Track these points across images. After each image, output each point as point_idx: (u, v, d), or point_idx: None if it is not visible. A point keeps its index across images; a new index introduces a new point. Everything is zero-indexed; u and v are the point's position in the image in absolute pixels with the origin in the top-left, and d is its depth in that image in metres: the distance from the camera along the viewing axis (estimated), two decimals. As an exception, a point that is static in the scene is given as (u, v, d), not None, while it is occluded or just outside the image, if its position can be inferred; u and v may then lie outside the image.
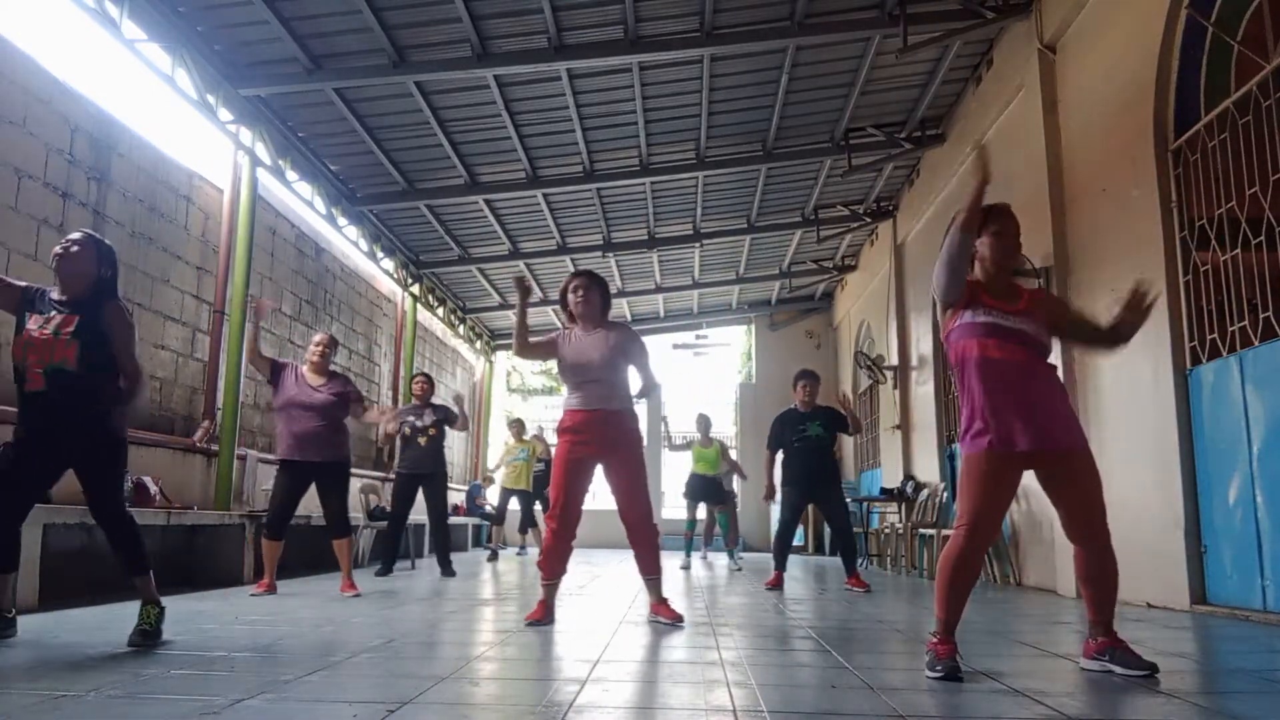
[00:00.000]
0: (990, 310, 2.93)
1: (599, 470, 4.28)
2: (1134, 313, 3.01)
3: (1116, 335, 3.06)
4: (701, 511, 9.89)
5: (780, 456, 6.86)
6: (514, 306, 4.41)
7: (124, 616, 4.10)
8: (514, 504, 10.97)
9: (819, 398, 6.93)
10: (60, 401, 3.27)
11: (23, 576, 4.12)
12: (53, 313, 3.35)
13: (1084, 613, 3.00)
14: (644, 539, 4.21)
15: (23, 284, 3.47)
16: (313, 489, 5.63)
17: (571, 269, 12.51)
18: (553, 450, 11.17)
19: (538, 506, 11.09)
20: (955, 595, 2.88)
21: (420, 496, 7.57)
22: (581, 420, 4.16)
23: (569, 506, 4.12)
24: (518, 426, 11.14)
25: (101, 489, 3.35)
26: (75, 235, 3.44)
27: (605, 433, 4.14)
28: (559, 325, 16.06)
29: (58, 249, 3.39)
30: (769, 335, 16.14)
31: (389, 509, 8.60)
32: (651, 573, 4.24)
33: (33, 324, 3.32)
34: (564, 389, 4.36)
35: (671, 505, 12.15)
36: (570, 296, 4.30)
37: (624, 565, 9.01)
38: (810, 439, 6.64)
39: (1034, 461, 2.90)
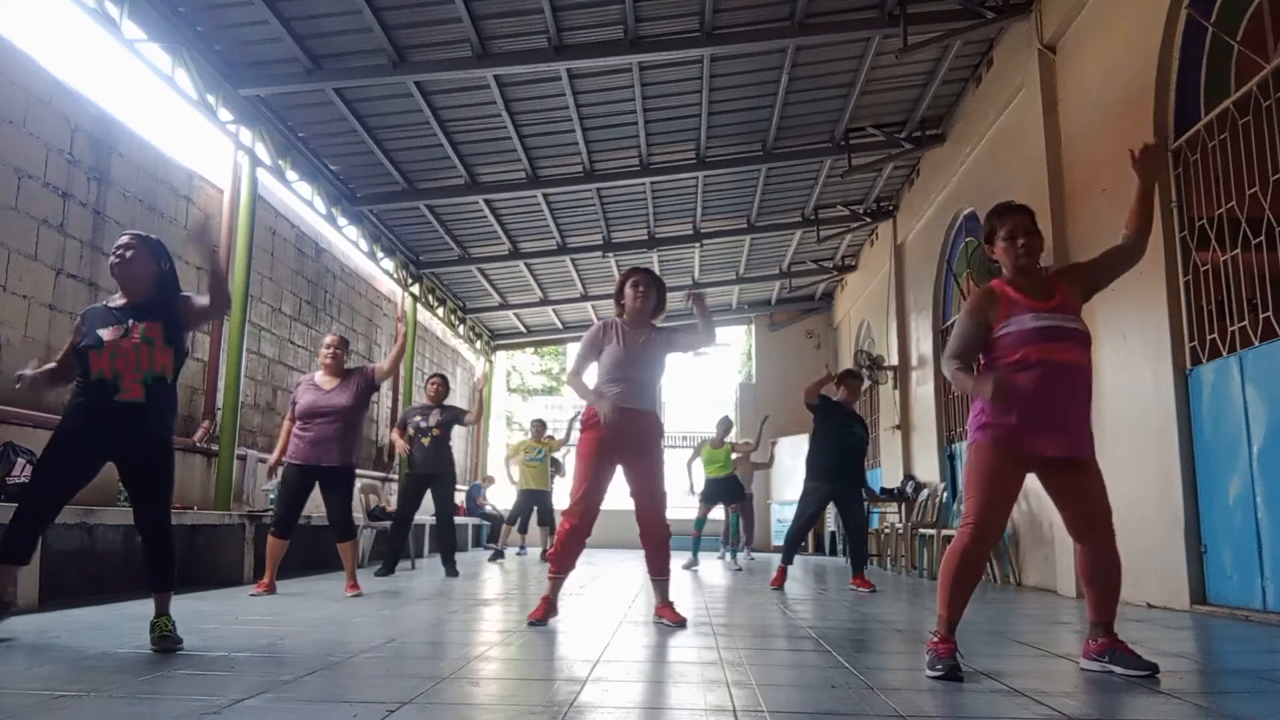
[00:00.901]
0: (1040, 312, 2.85)
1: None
2: (1149, 171, 2.98)
3: (1135, 233, 3.07)
4: (717, 513, 9.87)
5: (808, 444, 6.82)
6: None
7: (124, 616, 4.11)
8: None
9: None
10: (157, 409, 3.27)
11: (23, 576, 4.14)
12: (130, 320, 3.29)
13: (1084, 613, 2.99)
14: (657, 539, 4.22)
15: (74, 328, 3.41)
16: (317, 490, 5.63)
17: (572, 269, 12.56)
18: (569, 447, 11.04)
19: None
20: (959, 593, 2.87)
21: (427, 497, 7.57)
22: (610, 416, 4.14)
23: (590, 503, 4.10)
24: (539, 426, 11.05)
25: (159, 498, 3.32)
26: (124, 239, 3.39)
27: (633, 431, 4.13)
28: (559, 325, 15.97)
29: (113, 258, 3.35)
30: (769, 335, 16.15)
31: (388, 509, 8.60)
32: (661, 573, 4.23)
33: (110, 334, 3.25)
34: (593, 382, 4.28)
35: (677, 505, 12.14)
36: (629, 290, 4.27)
37: (625, 565, 9.01)
38: (854, 440, 6.66)
39: (1046, 465, 2.88)
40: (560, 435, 11.18)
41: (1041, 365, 2.80)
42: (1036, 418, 2.80)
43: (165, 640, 3.14)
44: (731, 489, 9.62)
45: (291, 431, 5.61)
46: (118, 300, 3.40)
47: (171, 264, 3.48)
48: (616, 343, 4.21)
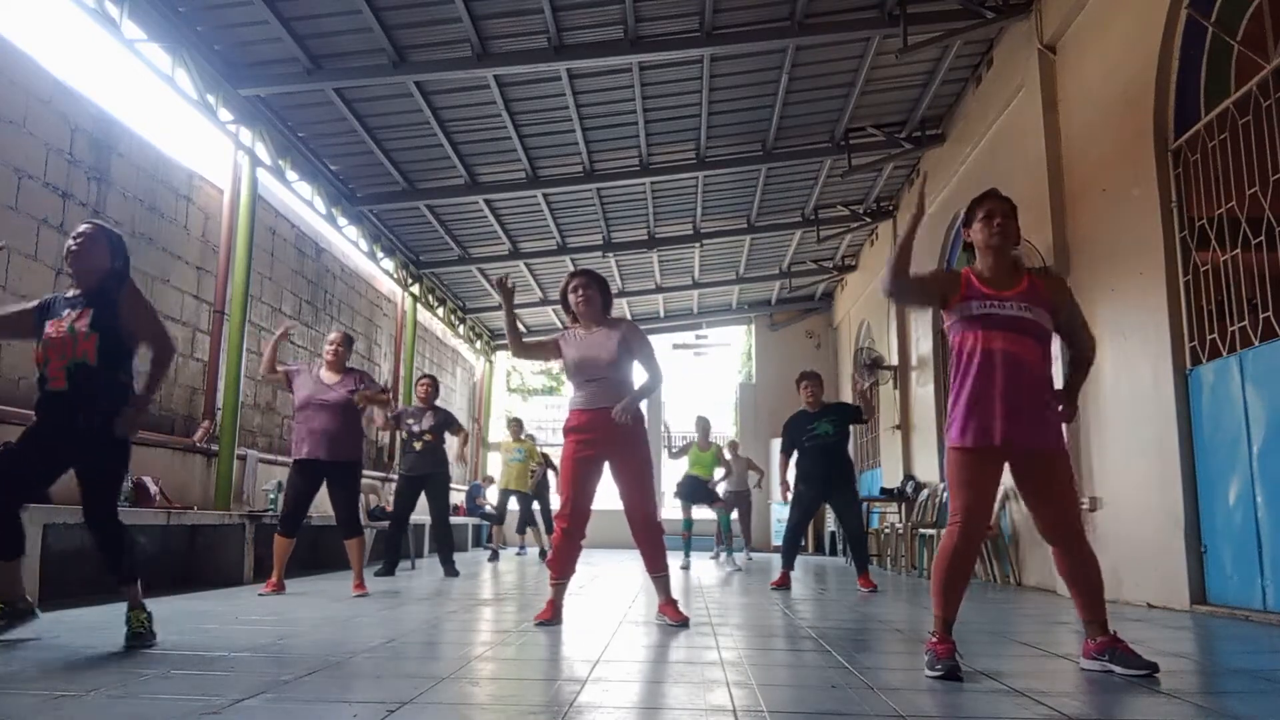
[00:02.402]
0: (987, 300, 2.92)
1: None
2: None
3: (1072, 371, 3.12)
4: (704, 512, 9.86)
5: (794, 456, 6.86)
6: (516, 307, 4.41)
7: (124, 617, 4.10)
8: (512, 503, 10.95)
9: (825, 396, 6.94)
10: (82, 398, 3.25)
11: (23, 576, 4.13)
12: (66, 310, 3.33)
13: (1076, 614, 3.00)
14: (649, 537, 4.22)
15: (35, 303, 3.45)
16: (324, 488, 5.64)
17: (572, 269, 12.55)
18: (550, 453, 11.07)
19: (535, 506, 11.09)
20: (952, 592, 2.89)
21: (422, 498, 7.59)
22: (587, 420, 4.16)
23: (578, 506, 4.13)
24: (515, 426, 11.11)
25: (98, 493, 3.32)
26: (84, 228, 3.40)
27: (611, 431, 4.14)
28: (560, 325, 16.06)
29: (70, 244, 3.36)
30: (769, 335, 16.15)
31: (389, 509, 8.61)
32: (659, 570, 4.24)
33: (50, 327, 3.31)
34: (569, 388, 4.36)
35: (671, 505, 12.15)
36: (570, 296, 4.29)
37: (624, 565, 9.01)
38: (820, 437, 6.64)
39: (1011, 457, 2.92)
40: (541, 438, 11.23)
41: (982, 354, 2.88)
42: (995, 406, 2.85)
43: (138, 637, 3.17)
44: (704, 491, 9.64)
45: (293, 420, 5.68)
46: (70, 291, 3.41)
47: (126, 262, 3.47)
48: (574, 347, 4.23)
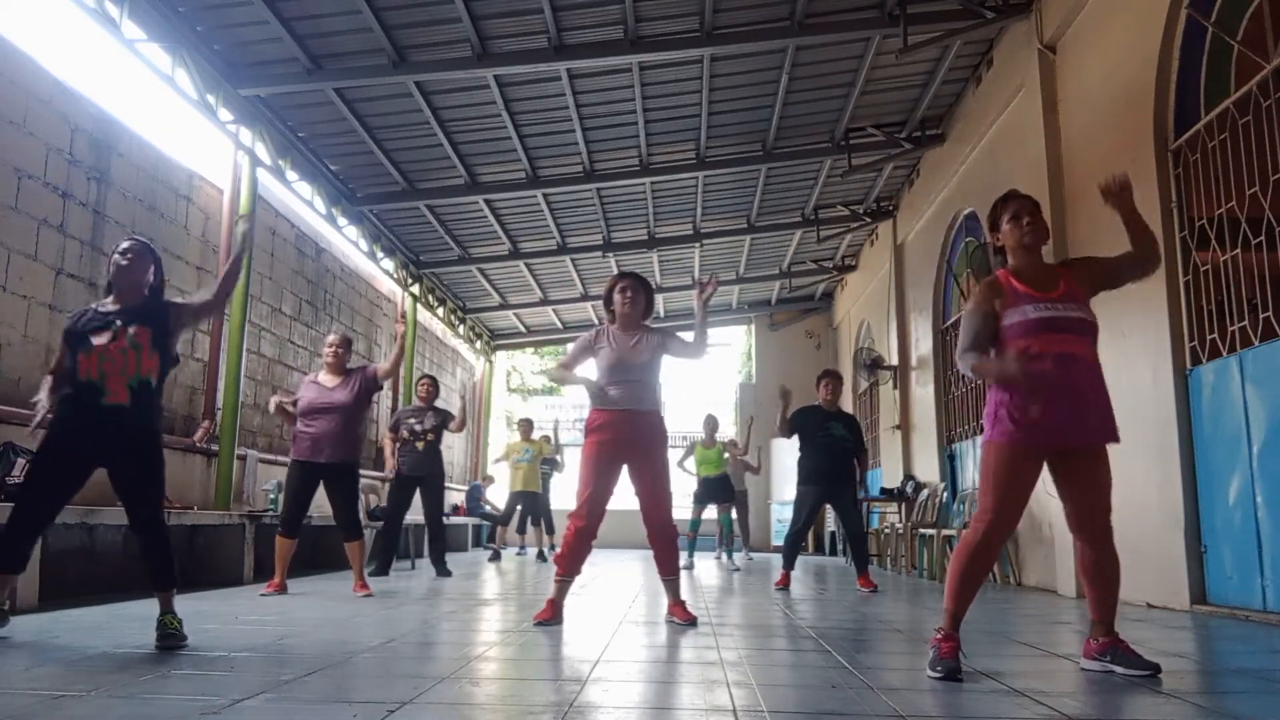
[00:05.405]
0: (1040, 303, 2.86)
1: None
2: (1119, 204, 3.02)
3: (1139, 248, 3.09)
4: (711, 513, 9.83)
5: (797, 452, 6.85)
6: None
7: (124, 616, 4.11)
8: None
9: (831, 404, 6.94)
10: (143, 412, 3.29)
11: (23, 576, 4.13)
12: (118, 323, 3.31)
13: (1085, 612, 2.99)
14: (665, 540, 4.25)
15: (65, 328, 3.42)
16: (322, 489, 5.64)
17: (571, 269, 12.57)
18: (559, 450, 10.97)
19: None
20: (967, 587, 2.87)
21: (417, 498, 7.58)
22: (612, 420, 4.17)
23: (595, 506, 4.13)
24: (526, 426, 11.04)
25: (151, 500, 3.34)
26: (129, 244, 3.43)
27: (635, 433, 4.16)
28: (559, 324, 16.01)
29: (118, 259, 3.38)
30: (769, 335, 16.15)
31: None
32: (671, 573, 4.27)
33: (100, 338, 3.28)
34: (575, 389, 4.39)
35: (676, 506, 12.11)
36: (617, 297, 4.32)
37: (625, 565, 9.01)
38: (835, 439, 6.65)
39: (1059, 454, 2.88)
40: (550, 436, 11.17)
41: (1045, 357, 2.79)
42: (1053, 410, 2.80)
43: (170, 638, 3.16)
44: (723, 488, 9.59)
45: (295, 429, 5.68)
46: (108, 304, 3.41)
47: (163, 281, 3.55)
48: (610, 348, 4.25)
